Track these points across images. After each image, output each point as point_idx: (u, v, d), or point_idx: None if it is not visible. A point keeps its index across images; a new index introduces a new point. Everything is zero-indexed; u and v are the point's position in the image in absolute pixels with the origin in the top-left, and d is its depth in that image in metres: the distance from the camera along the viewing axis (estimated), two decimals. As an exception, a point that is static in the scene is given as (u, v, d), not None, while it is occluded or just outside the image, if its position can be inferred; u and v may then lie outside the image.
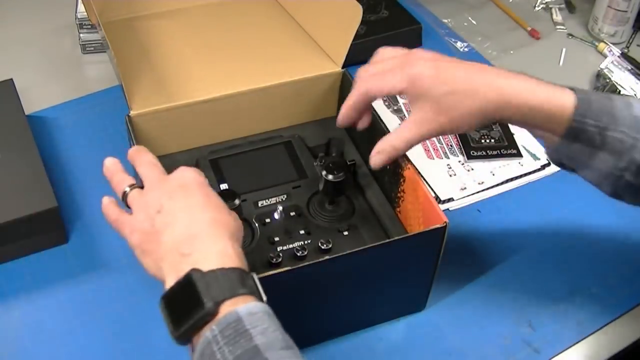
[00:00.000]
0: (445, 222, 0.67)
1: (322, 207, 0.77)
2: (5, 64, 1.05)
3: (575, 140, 0.64)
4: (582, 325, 0.77)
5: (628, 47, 1.14)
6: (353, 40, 0.83)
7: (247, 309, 0.52)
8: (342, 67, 0.87)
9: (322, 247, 0.72)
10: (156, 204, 0.59)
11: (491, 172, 0.92)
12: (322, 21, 0.90)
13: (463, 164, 0.93)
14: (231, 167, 0.81)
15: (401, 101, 1.01)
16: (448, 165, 0.92)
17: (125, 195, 0.63)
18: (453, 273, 0.79)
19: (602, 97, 0.64)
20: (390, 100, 1.01)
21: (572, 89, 0.65)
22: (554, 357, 0.74)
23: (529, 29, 1.17)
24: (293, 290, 0.57)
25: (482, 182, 0.91)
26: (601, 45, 1.12)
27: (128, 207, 0.63)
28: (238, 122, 0.86)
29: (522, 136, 0.96)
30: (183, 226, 0.57)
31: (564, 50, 1.13)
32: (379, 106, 0.98)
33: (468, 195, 0.89)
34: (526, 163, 0.93)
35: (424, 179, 0.90)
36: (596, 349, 0.76)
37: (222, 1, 0.99)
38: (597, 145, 0.63)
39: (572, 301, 0.79)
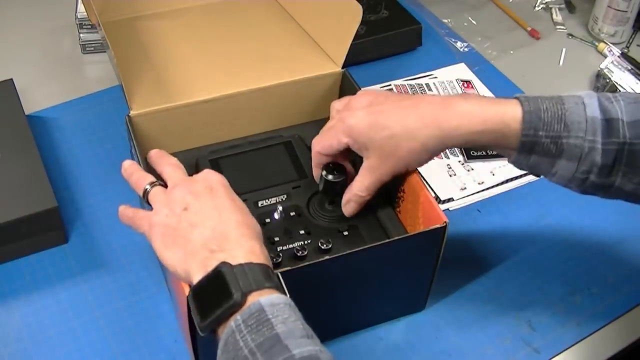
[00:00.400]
0: (445, 222, 0.67)
1: (322, 207, 0.77)
2: (5, 64, 1.05)
3: (531, 153, 0.64)
4: (582, 325, 0.77)
5: (628, 47, 1.14)
6: (353, 40, 0.83)
7: (270, 300, 0.54)
8: (342, 67, 0.87)
9: (322, 247, 0.72)
10: (182, 202, 0.61)
11: (491, 172, 0.92)
12: (322, 21, 0.90)
13: (463, 164, 0.93)
14: (231, 167, 0.81)
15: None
16: (448, 165, 0.92)
17: (146, 192, 0.65)
18: (453, 273, 0.79)
19: (553, 102, 0.63)
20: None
21: (520, 100, 0.64)
22: (554, 357, 0.74)
23: (529, 29, 1.17)
24: (293, 290, 0.57)
25: (482, 182, 0.91)
26: (601, 45, 1.12)
27: (148, 204, 0.64)
28: (238, 122, 0.86)
29: (522, 136, 0.96)
30: (212, 225, 0.59)
31: (564, 50, 1.13)
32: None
33: (468, 195, 0.89)
34: (526, 163, 0.93)
35: (424, 179, 0.90)
36: (596, 349, 0.76)
37: (222, 1, 0.99)
38: (555, 154, 0.63)
39: (572, 301, 0.79)
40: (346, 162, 0.75)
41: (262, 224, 0.76)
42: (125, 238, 0.81)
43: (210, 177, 0.64)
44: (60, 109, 0.99)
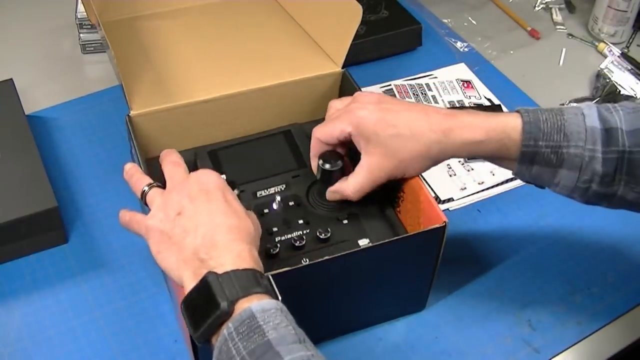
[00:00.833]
0: (445, 222, 0.67)
1: (322, 196, 0.76)
2: (5, 64, 1.05)
3: (532, 163, 0.65)
4: (582, 325, 0.77)
5: (628, 47, 1.14)
6: (353, 40, 0.83)
7: (261, 306, 0.54)
8: (342, 67, 0.87)
9: (321, 237, 0.72)
10: (176, 206, 0.61)
11: (491, 172, 0.92)
12: (322, 21, 0.90)
13: (463, 163, 0.93)
14: (230, 157, 0.81)
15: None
16: (448, 165, 0.92)
17: (144, 194, 0.65)
18: (453, 273, 0.79)
19: (552, 113, 0.65)
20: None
21: (520, 112, 0.65)
22: (554, 356, 0.74)
23: (529, 29, 1.17)
24: (292, 290, 0.57)
25: (482, 182, 0.91)
26: (601, 45, 1.12)
27: (147, 205, 0.65)
28: (238, 122, 0.86)
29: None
30: (204, 232, 0.59)
31: (564, 50, 1.13)
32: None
33: (468, 195, 0.89)
34: (526, 163, 0.93)
35: (424, 179, 0.90)
36: (596, 349, 0.76)
37: (222, 1, 0.99)
38: (556, 164, 0.64)
39: (572, 301, 0.79)
40: (343, 151, 0.74)
41: (261, 214, 0.75)
42: (125, 238, 0.81)
43: (207, 179, 0.64)
44: (60, 109, 0.99)
